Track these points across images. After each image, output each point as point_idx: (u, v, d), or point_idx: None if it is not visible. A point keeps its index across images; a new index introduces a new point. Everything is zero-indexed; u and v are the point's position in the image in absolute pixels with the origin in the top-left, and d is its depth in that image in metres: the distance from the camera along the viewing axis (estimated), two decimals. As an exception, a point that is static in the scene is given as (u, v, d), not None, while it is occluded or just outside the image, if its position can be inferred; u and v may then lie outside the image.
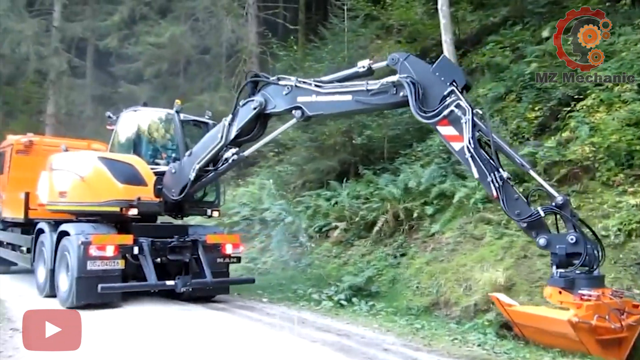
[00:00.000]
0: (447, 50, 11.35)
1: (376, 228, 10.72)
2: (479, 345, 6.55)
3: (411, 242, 10.21)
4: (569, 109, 9.60)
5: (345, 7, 14.53)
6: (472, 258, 8.70)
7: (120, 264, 8.57)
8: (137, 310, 8.77)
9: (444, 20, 11.52)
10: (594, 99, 9.26)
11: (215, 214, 10.27)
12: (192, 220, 11.19)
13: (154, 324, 7.72)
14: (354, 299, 9.15)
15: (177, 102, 10.09)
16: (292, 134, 14.26)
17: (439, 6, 11.61)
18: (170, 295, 9.40)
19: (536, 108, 10.33)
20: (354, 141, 12.88)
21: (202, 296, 9.57)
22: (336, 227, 11.70)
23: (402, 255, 10.03)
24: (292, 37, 17.77)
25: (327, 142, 13.39)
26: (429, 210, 10.19)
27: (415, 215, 10.32)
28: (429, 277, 8.92)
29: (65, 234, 8.98)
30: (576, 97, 9.69)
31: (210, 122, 10.01)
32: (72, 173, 9.40)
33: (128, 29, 22.15)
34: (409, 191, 10.69)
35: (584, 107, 9.34)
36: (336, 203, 12.15)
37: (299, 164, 14.60)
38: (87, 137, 15.37)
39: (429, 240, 9.91)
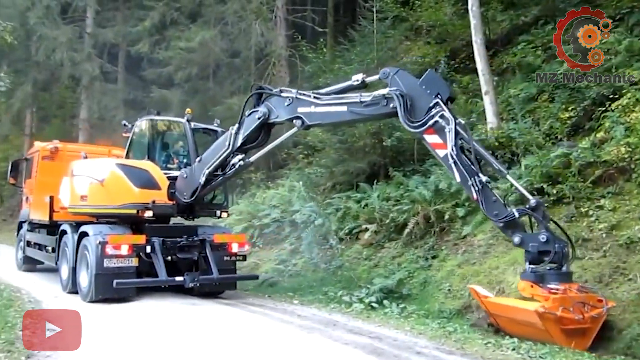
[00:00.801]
0: (478, 50, 11.23)
1: (407, 230, 10.66)
2: (513, 350, 6.47)
3: (442, 244, 10.14)
4: (603, 108, 9.40)
5: (374, 9, 14.49)
6: (504, 260, 8.60)
7: (134, 262, 9.31)
8: (156, 305, 9.26)
9: (474, 20, 11.39)
10: (629, 98, 9.04)
11: (224, 215, 11.02)
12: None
13: (173, 320, 7.84)
14: (385, 302, 9.14)
15: (188, 110, 10.89)
16: (321, 136, 14.28)
17: (469, 6, 11.49)
18: (182, 290, 10.08)
19: (569, 108, 10.14)
20: (383, 143, 12.82)
21: (211, 291, 10.38)
22: (366, 229, 11.68)
23: (433, 257, 9.96)
24: (321, 40, 17.78)
25: (356, 144, 13.35)
26: (461, 212, 10.09)
27: (446, 217, 10.23)
28: (461, 280, 8.86)
29: (85, 234, 9.73)
30: (611, 96, 9.49)
31: (219, 129, 10.70)
32: (92, 179, 10.14)
33: (159, 34, 22.42)
34: (440, 193, 10.61)
35: (619, 106, 9.13)
36: (366, 205, 12.12)
37: (328, 166, 14.59)
38: (118, 140, 15.67)
39: (461, 242, 9.83)
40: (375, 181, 12.65)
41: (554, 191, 8.68)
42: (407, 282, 9.69)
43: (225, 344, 6.72)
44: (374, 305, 9.09)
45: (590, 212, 8.12)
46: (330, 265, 11.63)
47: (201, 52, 19.67)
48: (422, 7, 15.94)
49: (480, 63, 11.19)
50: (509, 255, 8.62)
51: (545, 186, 8.81)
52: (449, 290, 8.91)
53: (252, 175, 17.43)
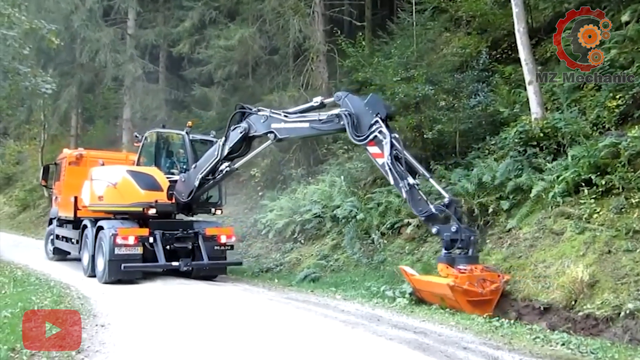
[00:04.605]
0: (520, 39, 10.96)
1: (450, 224, 10.55)
2: (562, 345, 6.35)
3: (487, 238, 9.99)
4: (654, 96, 9.10)
5: (413, 1, 14.31)
6: (551, 254, 8.44)
7: (139, 250, 11.30)
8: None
9: (516, 8, 11.11)
10: (682, 84, 8.74)
11: (218, 212, 13.04)
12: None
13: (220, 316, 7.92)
14: (429, 296, 9.04)
15: (189, 123, 12.81)
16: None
17: (511, -6, 11.24)
18: (176, 273, 12.03)
19: (617, 96, 9.82)
20: (424, 136, 12.68)
21: (205, 275, 12.30)
22: (408, 224, 11.60)
23: (478, 251, 9.77)
24: (359, 34, 17.66)
25: (397, 138, 13.24)
26: (505, 205, 9.90)
27: (490, 210, 10.09)
28: (507, 274, 8.69)
29: (101, 228, 11.79)
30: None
31: (214, 139, 12.31)
32: (107, 182, 12.20)
33: (199, 33, 22.57)
34: (483, 186, 10.44)
35: (671, 93, 8.83)
36: (408, 199, 12.01)
37: (369, 161, 14.48)
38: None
39: (505, 235, 9.67)
40: (416, 175, 12.50)
41: (603, 182, 8.45)
42: (451, 277, 9.58)
43: (271, 338, 6.75)
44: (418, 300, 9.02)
45: (642, 203, 7.88)
46: (373, 260, 11.60)
47: (240, 50, 19.72)
48: (462, -2, 15.67)
49: (523, 52, 10.94)
50: (555, 249, 8.46)
51: (593, 177, 8.59)
52: (495, 284, 8.75)
53: (293, 171, 17.46)
